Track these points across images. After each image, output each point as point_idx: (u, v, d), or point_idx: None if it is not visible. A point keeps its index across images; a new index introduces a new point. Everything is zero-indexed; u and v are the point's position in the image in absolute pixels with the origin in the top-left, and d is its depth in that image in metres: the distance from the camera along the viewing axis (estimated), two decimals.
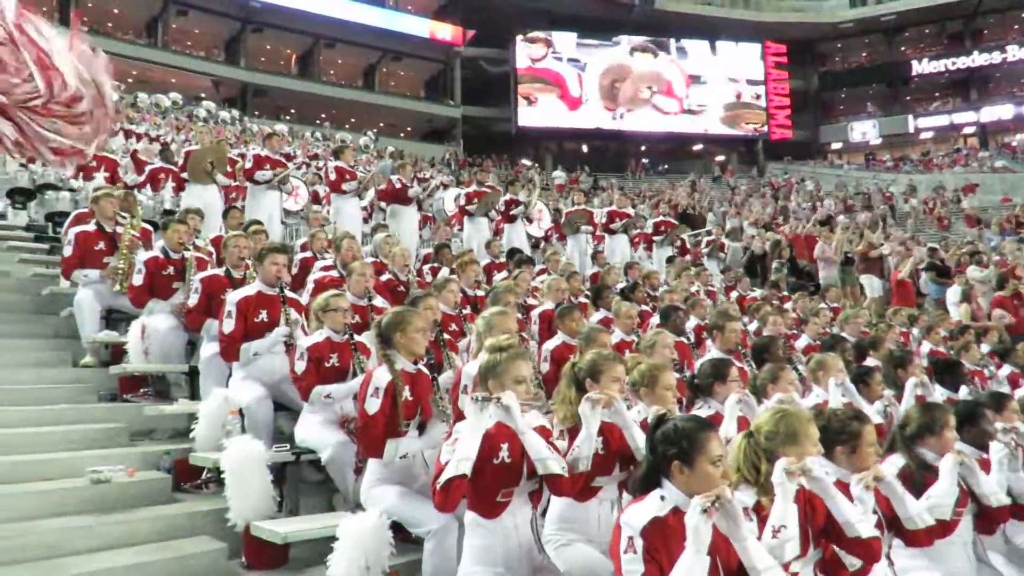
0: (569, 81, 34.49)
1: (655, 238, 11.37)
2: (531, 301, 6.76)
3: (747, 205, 21.01)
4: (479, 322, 4.08)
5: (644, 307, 7.06)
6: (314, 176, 12.60)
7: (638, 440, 2.97)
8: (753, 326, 6.74)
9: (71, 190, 9.40)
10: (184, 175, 8.68)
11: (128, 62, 29.31)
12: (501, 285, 5.94)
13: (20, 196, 9.64)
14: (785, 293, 9.41)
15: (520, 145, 35.13)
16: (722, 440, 2.38)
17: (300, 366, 4.16)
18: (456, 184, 18.86)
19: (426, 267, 7.89)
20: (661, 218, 11.93)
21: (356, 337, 4.31)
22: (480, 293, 6.48)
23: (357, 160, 18.87)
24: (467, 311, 5.83)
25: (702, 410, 3.72)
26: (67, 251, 5.98)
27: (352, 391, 4.12)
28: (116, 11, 30.59)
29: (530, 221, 10.70)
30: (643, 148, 36.01)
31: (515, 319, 4.40)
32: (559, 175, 28.36)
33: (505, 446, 2.84)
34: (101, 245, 6.02)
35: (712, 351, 4.94)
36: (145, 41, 30.77)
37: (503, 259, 8.99)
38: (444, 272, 6.98)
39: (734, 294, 9.24)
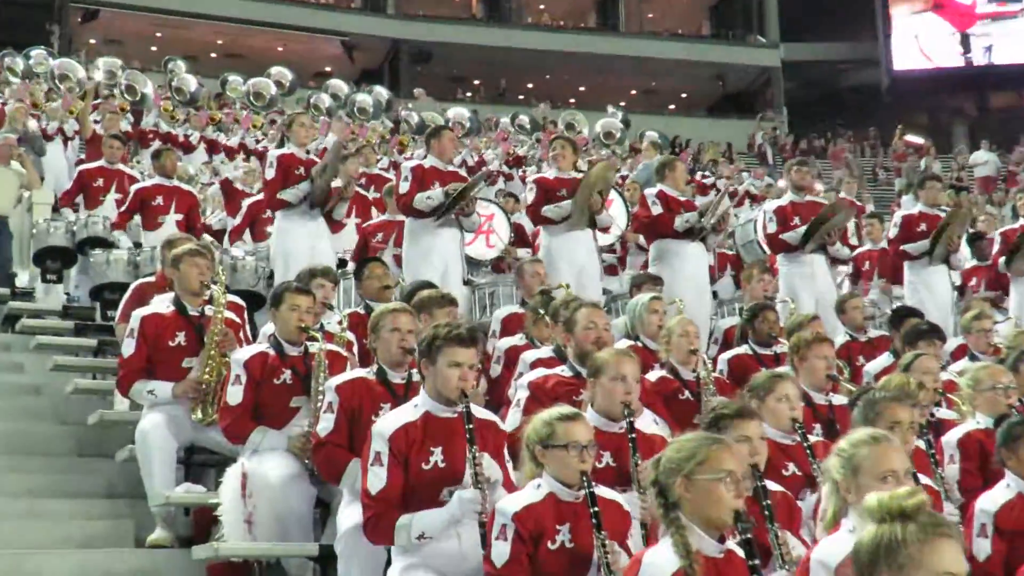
0: None
1: None
2: (944, 413, 6.51)
3: None
4: (833, 460, 3.96)
5: None
6: (508, 201, 13.14)
7: None
8: None
9: (131, 247, 10.58)
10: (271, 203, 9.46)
11: (215, 26, 33.00)
12: (889, 383, 5.74)
13: (54, 261, 11.02)
14: None
15: (899, 107, 34.27)
16: None
17: (501, 552, 4.27)
18: (778, 190, 18.73)
19: (727, 355, 7.88)
20: None
21: (602, 491, 4.35)
22: (840, 401, 6.33)
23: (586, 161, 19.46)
24: (816, 436, 5.69)
25: None
26: (127, 348, 6.70)
27: None
28: None
29: (949, 263, 10.32)
30: None
31: (905, 451, 4.25)
32: (983, 157, 27.13)
33: None
34: (180, 339, 6.66)
35: None
36: None
37: (873, 332, 8.77)
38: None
39: None
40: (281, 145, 9.96)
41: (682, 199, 9.95)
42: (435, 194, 9.26)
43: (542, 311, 7.53)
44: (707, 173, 21.49)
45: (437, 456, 4.84)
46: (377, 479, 4.78)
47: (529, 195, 9.86)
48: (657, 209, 9.77)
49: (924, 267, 10.32)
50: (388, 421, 4.92)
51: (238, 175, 13.94)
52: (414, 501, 4.77)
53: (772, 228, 10.17)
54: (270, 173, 9.49)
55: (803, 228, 9.93)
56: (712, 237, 10.01)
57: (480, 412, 5.13)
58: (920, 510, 2.90)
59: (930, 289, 10.23)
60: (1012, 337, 7.99)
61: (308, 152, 9.78)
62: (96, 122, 15.49)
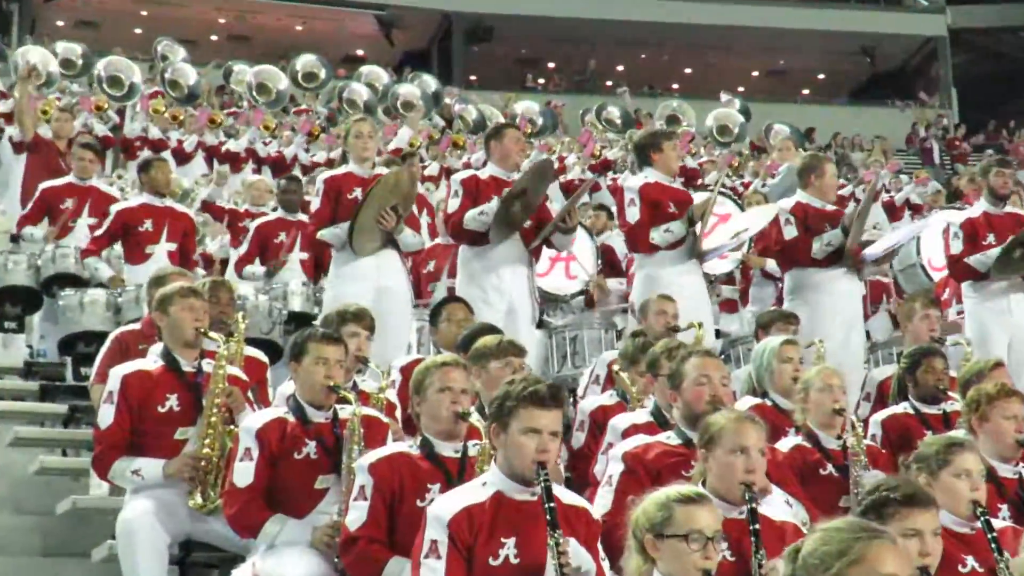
0: None
1: None
2: None
3: None
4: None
5: None
6: (599, 216, 13.14)
7: None
8: None
9: (104, 285, 10.68)
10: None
11: (215, 0, 33.30)
12: None
13: (13, 305, 11.11)
14: None
15: None
16: None
17: None
18: (948, 197, 18.50)
19: (881, 415, 7.79)
20: None
21: None
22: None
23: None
24: (1002, 520, 5.67)
25: None
26: (105, 416, 6.72)
27: None
28: None
29: None
30: None
31: None
32: None
33: None
34: (172, 403, 6.69)
35: None
36: None
37: None
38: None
39: None
40: (344, 162, 9.97)
41: (829, 210, 9.85)
42: (489, 207, 9.29)
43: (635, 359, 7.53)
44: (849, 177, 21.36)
45: (509, 548, 4.85)
46: (433, 575, 4.79)
47: (632, 210, 9.72)
48: (791, 231, 9.72)
49: None
50: (448, 502, 4.93)
51: (219, 190, 14.21)
52: None
53: (957, 248, 9.89)
54: (315, 203, 9.51)
55: (995, 251, 9.68)
56: (868, 268, 9.86)
57: (567, 496, 5.14)
58: None
59: None
60: None
61: (374, 166, 9.76)
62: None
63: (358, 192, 9.32)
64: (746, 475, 5.16)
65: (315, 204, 9.52)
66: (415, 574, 4.83)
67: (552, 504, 4.76)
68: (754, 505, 5.11)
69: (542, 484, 4.81)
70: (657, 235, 9.49)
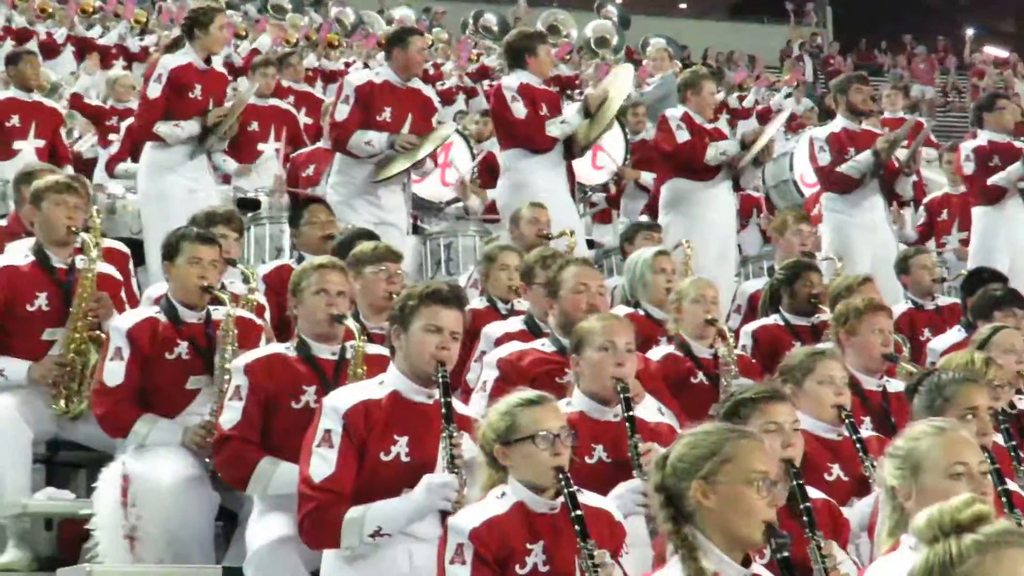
0: None
1: None
2: None
3: None
4: (887, 463, 3.99)
5: None
6: (487, 123, 13.17)
7: None
8: None
9: None
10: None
11: None
12: (951, 363, 5.79)
13: None
14: None
15: (979, 9, 34.29)
16: None
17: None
18: (821, 115, 18.75)
19: (752, 326, 7.94)
20: None
21: (586, 498, 4.44)
22: (897, 387, 6.37)
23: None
24: (866, 431, 5.76)
25: None
26: None
27: None
28: None
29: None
30: None
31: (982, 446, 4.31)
32: None
33: None
34: (42, 301, 6.60)
35: None
36: None
37: (944, 300, 8.90)
38: None
39: None
40: (172, 49, 9.74)
41: (709, 127, 9.92)
42: (378, 140, 9.23)
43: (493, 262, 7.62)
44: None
45: (402, 447, 4.92)
46: (324, 463, 4.83)
47: (516, 106, 9.60)
48: (683, 135, 9.71)
49: (1000, 210, 10.29)
50: (345, 395, 5.00)
51: (89, 82, 14.01)
52: (364, 501, 4.80)
53: (825, 160, 9.96)
54: (154, 90, 9.31)
55: (866, 154, 9.73)
56: (750, 172, 9.90)
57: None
58: (980, 520, 2.85)
59: (1011, 241, 10.20)
60: None
61: (209, 63, 9.61)
62: None
63: (198, 90, 9.24)
64: (616, 368, 5.23)
65: (154, 91, 9.33)
66: (305, 462, 4.87)
67: (448, 400, 4.86)
68: (627, 395, 5.18)
69: (440, 381, 4.90)
70: (555, 128, 9.48)
